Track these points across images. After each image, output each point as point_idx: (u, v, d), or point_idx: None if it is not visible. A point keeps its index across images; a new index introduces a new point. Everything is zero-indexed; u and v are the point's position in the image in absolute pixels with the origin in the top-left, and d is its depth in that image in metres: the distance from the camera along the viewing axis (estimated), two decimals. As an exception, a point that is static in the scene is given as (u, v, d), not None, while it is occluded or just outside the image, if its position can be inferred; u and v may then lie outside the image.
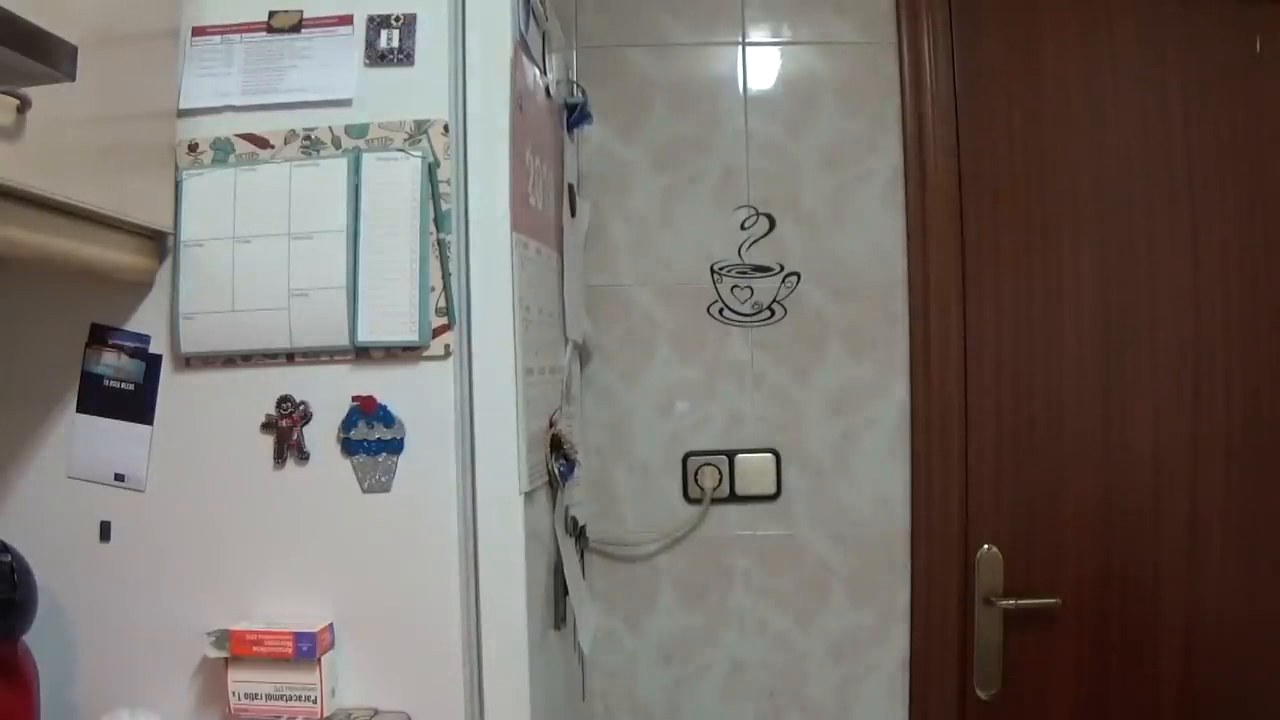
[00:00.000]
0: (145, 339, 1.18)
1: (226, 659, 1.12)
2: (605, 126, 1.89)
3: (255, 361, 1.17)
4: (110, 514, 1.18)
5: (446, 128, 1.16)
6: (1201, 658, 1.88)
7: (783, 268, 1.91)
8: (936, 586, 1.87)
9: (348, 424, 1.16)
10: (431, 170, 1.16)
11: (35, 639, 1.12)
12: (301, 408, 1.16)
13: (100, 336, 1.19)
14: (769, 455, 1.90)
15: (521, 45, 1.26)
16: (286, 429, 1.16)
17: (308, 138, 1.17)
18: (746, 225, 1.92)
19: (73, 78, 0.84)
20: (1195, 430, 1.89)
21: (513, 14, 1.22)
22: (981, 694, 1.88)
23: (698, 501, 1.90)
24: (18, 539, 1.11)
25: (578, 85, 1.77)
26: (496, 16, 1.21)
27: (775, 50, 1.93)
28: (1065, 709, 1.89)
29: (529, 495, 1.22)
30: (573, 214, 1.64)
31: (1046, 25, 1.91)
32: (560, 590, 1.41)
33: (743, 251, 1.91)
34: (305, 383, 1.16)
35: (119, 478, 1.18)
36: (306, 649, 1.10)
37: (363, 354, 1.16)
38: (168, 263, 1.18)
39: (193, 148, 1.18)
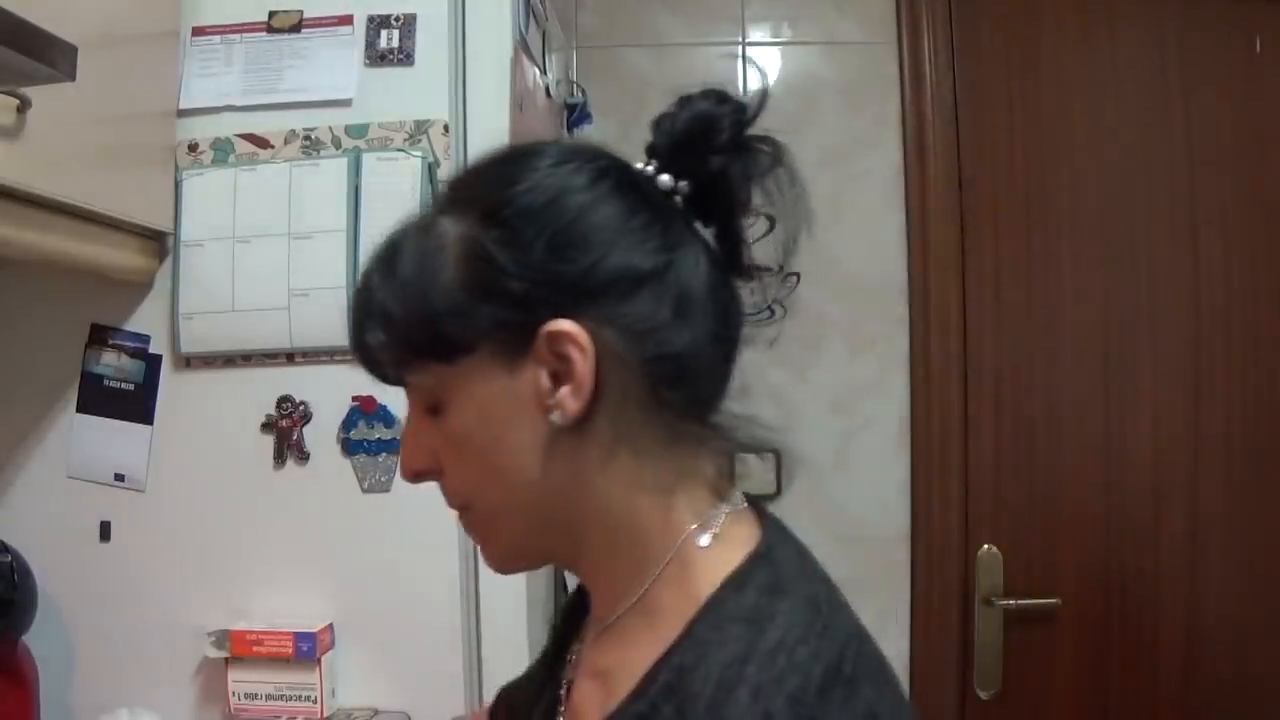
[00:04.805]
0: (145, 339, 1.18)
1: (226, 659, 1.12)
2: (605, 126, 1.89)
3: (255, 361, 1.17)
4: (110, 514, 1.18)
5: (446, 128, 1.16)
6: (1201, 658, 1.88)
7: (782, 267, 1.91)
8: (936, 586, 1.87)
9: (348, 424, 1.16)
10: (431, 170, 1.15)
11: (35, 639, 1.12)
12: (301, 408, 1.16)
13: (100, 336, 1.19)
14: (769, 455, 1.90)
15: (521, 45, 1.26)
16: (286, 429, 1.16)
17: (308, 138, 1.17)
18: (746, 225, 1.91)
19: (73, 78, 0.84)
20: (1195, 431, 1.88)
21: (513, 14, 1.22)
22: (981, 694, 1.88)
23: (698, 501, 1.89)
24: (18, 539, 1.11)
25: (578, 85, 1.77)
26: (496, 16, 1.21)
27: (775, 50, 1.93)
28: (1065, 709, 1.89)
29: (529, 495, 1.22)
30: (573, 214, 1.64)
31: (1046, 25, 1.91)
32: (560, 590, 1.41)
33: (743, 251, 1.91)
34: (305, 383, 1.16)
35: (119, 478, 1.18)
36: (306, 649, 1.10)
37: (363, 354, 1.15)
38: (168, 263, 1.18)
39: (193, 148, 1.18)
